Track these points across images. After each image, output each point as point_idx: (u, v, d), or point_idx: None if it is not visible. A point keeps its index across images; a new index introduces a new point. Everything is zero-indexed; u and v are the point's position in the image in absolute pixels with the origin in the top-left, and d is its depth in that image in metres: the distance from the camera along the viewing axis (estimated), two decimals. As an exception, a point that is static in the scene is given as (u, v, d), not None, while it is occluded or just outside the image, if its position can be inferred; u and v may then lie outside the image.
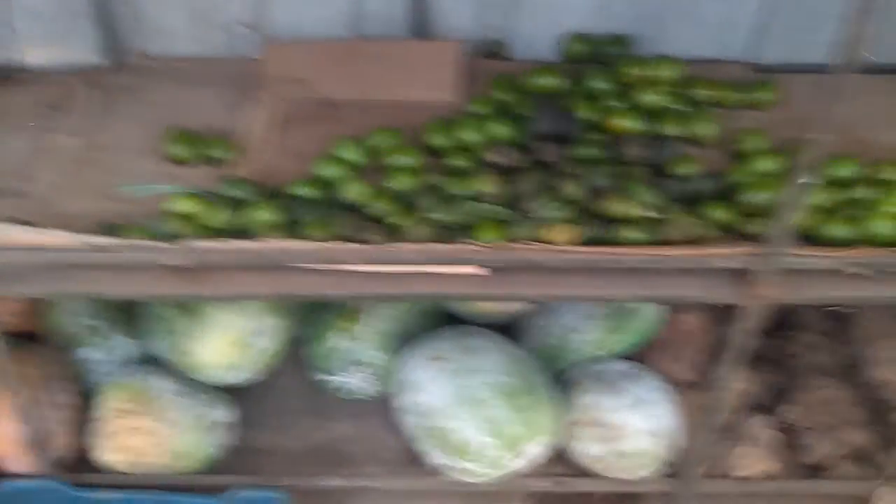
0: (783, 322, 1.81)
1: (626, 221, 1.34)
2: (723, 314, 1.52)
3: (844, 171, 1.45)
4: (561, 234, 1.30)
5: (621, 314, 1.69)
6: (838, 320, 1.75)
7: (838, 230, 1.32)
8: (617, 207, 1.35)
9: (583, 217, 1.35)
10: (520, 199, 1.39)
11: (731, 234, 1.36)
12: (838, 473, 1.62)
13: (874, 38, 1.86)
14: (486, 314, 1.77)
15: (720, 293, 1.31)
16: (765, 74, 1.78)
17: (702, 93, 1.64)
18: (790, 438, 1.67)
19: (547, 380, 1.66)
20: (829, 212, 1.38)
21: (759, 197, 1.38)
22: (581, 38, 1.74)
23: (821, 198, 1.38)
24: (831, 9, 1.79)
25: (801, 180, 1.11)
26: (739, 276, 1.29)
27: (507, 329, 1.79)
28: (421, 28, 1.79)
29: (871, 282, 1.29)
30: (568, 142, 1.51)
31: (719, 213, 1.37)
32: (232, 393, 1.78)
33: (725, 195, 1.43)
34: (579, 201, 1.37)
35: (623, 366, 1.69)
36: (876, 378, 1.63)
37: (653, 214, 1.35)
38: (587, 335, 1.71)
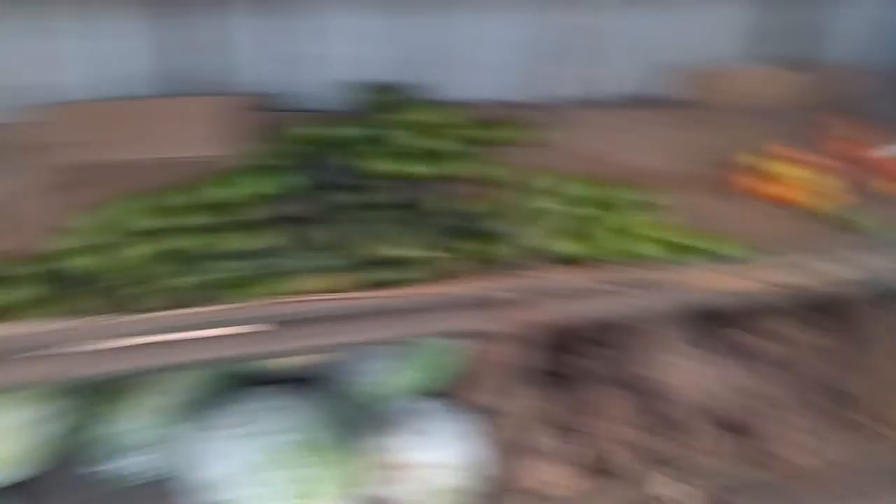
0: (576, 338, 1.88)
1: (399, 263, 1.35)
2: (526, 340, 1.57)
3: (600, 194, 1.53)
4: (327, 282, 1.28)
5: (418, 353, 1.69)
6: (625, 331, 1.84)
7: (589, 251, 1.40)
8: (390, 250, 1.35)
9: (354, 263, 1.33)
10: (287, 251, 1.34)
11: (497, 265, 1.39)
12: (628, 474, 1.70)
13: (636, 72, 2.09)
14: (276, 370, 1.71)
15: (482, 323, 1.32)
16: (547, 112, 1.88)
17: (480, 134, 1.70)
18: (582, 447, 1.73)
19: (348, 430, 1.62)
20: (583, 234, 1.45)
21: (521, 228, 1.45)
22: (365, 86, 1.76)
23: (575, 222, 1.47)
24: (597, 47, 1.96)
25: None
26: (500, 304, 1.31)
27: (307, 381, 1.73)
28: (199, 83, 1.78)
29: (623, 296, 1.36)
30: (344, 190, 1.50)
31: (485, 247, 1.39)
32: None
33: (500, 229, 1.46)
34: (350, 247, 1.35)
35: (427, 403, 1.69)
36: (653, 381, 1.73)
37: (420, 253, 1.36)
38: (385, 378, 1.69)
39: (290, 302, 1.25)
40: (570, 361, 1.86)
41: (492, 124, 1.75)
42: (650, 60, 1.99)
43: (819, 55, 2.09)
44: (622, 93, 2.01)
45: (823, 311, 1.83)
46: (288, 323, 1.26)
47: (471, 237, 1.41)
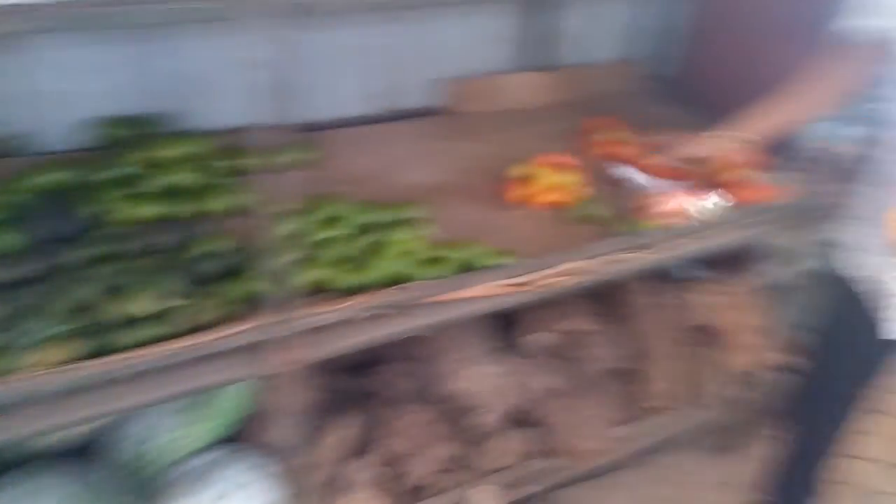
0: (371, 357, 1.87)
1: (143, 318, 1.24)
2: (309, 375, 1.53)
3: (365, 217, 1.51)
4: (57, 353, 1.16)
5: (198, 404, 1.60)
6: (419, 343, 1.86)
7: (354, 278, 1.39)
8: (131, 306, 1.25)
9: (90, 325, 1.20)
10: (8, 322, 1.17)
11: (262, 304, 1.34)
12: (437, 488, 1.73)
13: (402, 85, 2.11)
14: (35, 448, 1.54)
15: (247, 370, 1.27)
16: (307, 134, 1.85)
17: (234, 163, 1.61)
18: (392, 469, 1.73)
19: (130, 498, 1.50)
20: (350, 261, 1.45)
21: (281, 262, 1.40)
22: (107, 122, 1.62)
23: (342, 248, 1.46)
24: (357, 63, 2.02)
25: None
26: (263, 347, 1.26)
27: (73, 455, 1.57)
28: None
29: (392, 319, 1.37)
30: (76, 243, 1.34)
31: (246, 287, 1.33)
32: None
33: (262, 266, 1.41)
34: (85, 308, 1.22)
35: (215, 454, 1.60)
36: (450, 390, 1.76)
37: (173, 304, 1.27)
38: (166, 436, 1.57)
39: (14, 381, 1.11)
40: (368, 385, 1.85)
41: (247, 151, 1.67)
42: (415, 73, 2.01)
43: (578, 58, 2.22)
44: (388, 107, 2.02)
45: (597, 299, 1.97)
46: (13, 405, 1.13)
47: (231, 278, 1.34)
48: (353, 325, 1.32)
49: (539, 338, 1.85)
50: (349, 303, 1.30)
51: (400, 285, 1.36)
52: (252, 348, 1.26)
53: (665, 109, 2.17)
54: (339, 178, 1.71)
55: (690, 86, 2.24)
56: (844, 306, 1.52)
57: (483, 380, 1.76)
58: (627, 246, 1.54)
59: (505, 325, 1.86)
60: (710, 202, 1.66)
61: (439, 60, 2.02)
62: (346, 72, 1.92)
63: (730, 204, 1.69)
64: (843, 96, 1.45)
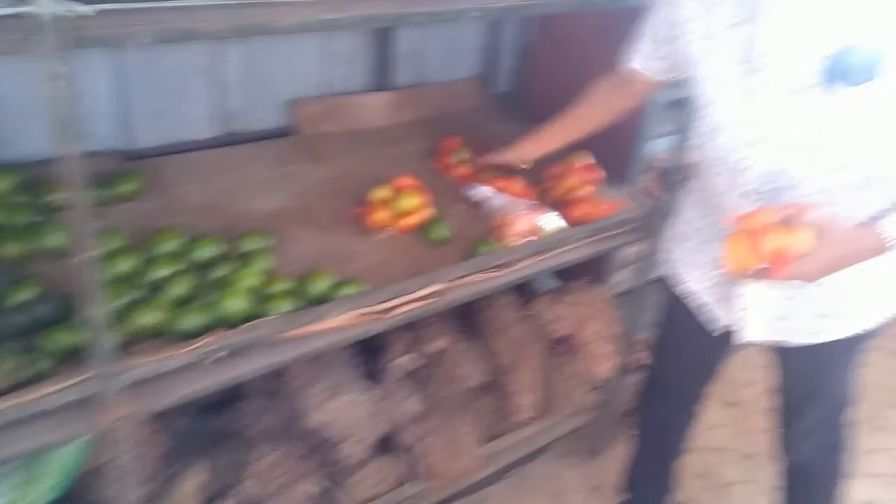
0: (230, 394, 1.78)
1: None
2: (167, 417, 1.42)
3: (206, 252, 1.43)
4: None
5: (30, 464, 1.44)
6: (280, 377, 1.78)
7: (194, 319, 1.31)
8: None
9: None
10: None
11: (85, 355, 1.20)
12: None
13: (250, 107, 2.03)
14: None
15: (78, 428, 1.14)
16: (135, 162, 1.74)
17: (49, 199, 1.48)
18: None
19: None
20: (189, 301, 1.37)
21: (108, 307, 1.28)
22: None
23: (181, 287, 1.37)
24: (203, 84, 1.94)
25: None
26: (87, 404, 1.14)
27: None
28: None
29: (236, 359, 1.29)
30: None
31: (71, 337, 1.20)
32: None
33: (86, 312, 1.27)
34: None
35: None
36: (315, 424, 1.70)
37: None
38: None
39: None
40: (227, 424, 1.76)
41: (64, 184, 1.54)
42: (263, 95, 1.93)
43: (427, 77, 2.22)
44: (236, 130, 1.93)
45: (460, 316, 1.97)
46: None
47: (53, 328, 1.22)
48: (196, 370, 1.24)
49: (404, 361, 1.83)
50: (189, 347, 1.21)
51: (248, 324, 1.29)
52: (82, 404, 1.15)
53: (512, 127, 2.21)
54: (179, 208, 1.61)
55: (535, 103, 2.31)
56: (674, 309, 1.61)
57: (349, 410, 1.71)
58: (482, 267, 1.55)
59: (369, 351, 1.82)
60: (557, 220, 1.70)
61: (289, 81, 1.95)
62: (193, 93, 1.82)
63: (575, 221, 1.75)
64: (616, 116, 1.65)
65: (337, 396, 1.70)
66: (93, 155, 1.71)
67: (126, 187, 1.59)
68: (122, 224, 1.51)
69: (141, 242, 1.45)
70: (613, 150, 2.04)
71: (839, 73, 1.04)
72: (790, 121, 1.14)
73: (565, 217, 1.76)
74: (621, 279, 2.50)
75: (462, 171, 1.89)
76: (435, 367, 1.85)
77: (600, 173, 1.88)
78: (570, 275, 2.02)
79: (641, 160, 2.01)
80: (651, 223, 1.82)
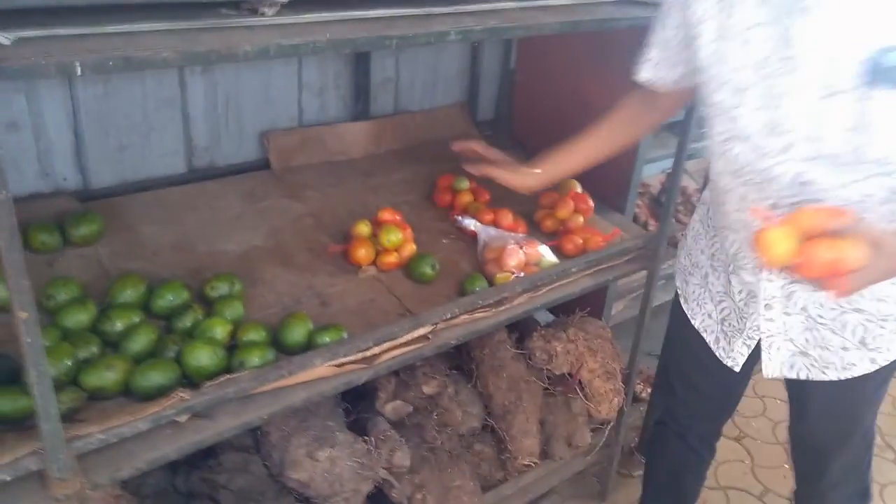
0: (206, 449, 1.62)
1: None
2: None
3: (168, 300, 1.29)
4: None
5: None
6: (257, 431, 1.63)
7: (156, 378, 1.17)
8: None
9: None
10: None
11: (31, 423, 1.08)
12: None
13: (222, 140, 1.90)
14: None
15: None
16: (94, 202, 1.61)
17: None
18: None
19: None
20: (150, 355, 1.23)
21: (62, 366, 1.15)
22: None
23: (140, 341, 1.23)
24: (146, 123, 1.67)
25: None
26: (29, 481, 1.00)
27: None
28: None
29: (202, 421, 1.16)
30: None
31: (8, 403, 1.07)
32: None
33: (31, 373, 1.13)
34: None
35: None
36: (296, 481, 1.55)
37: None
38: None
39: None
40: (198, 485, 1.61)
41: (67, 222, 1.44)
42: (236, 126, 1.81)
43: (409, 105, 2.12)
44: (206, 164, 1.81)
45: (454, 356, 1.85)
46: None
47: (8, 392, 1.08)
48: (156, 435, 1.10)
49: (390, 409, 1.69)
50: (144, 413, 1.07)
51: (211, 383, 1.15)
52: (23, 481, 1.01)
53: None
54: (141, 252, 1.48)
55: (520, 130, 2.22)
56: (686, 341, 1.49)
57: (332, 465, 1.56)
58: (473, 306, 1.43)
59: (356, 396, 1.69)
60: (549, 253, 1.59)
61: (260, 113, 1.84)
62: (156, 127, 1.70)
63: (568, 254, 1.65)
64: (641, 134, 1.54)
65: (318, 451, 1.55)
66: (48, 196, 1.59)
67: (83, 230, 1.46)
68: (77, 271, 1.38)
69: (97, 291, 1.31)
70: (605, 176, 1.94)
71: (882, 73, 0.94)
72: (824, 126, 1.03)
73: (558, 249, 1.65)
74: (621, 309, 2.40)
75: (453, 201, 1.78)
76: (425, 414, 1.72)
77: (590, 202, 1.78)
78: (566, 307, 1.90)
79: (636, 186, 1.91)
80: (649, 252, 1.71)
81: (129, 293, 1.30)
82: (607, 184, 1.93)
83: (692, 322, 1.44)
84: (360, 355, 1.27)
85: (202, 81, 1.71)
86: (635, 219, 2.53)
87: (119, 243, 1.49)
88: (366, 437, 1.63)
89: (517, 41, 2.14)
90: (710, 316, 1.39)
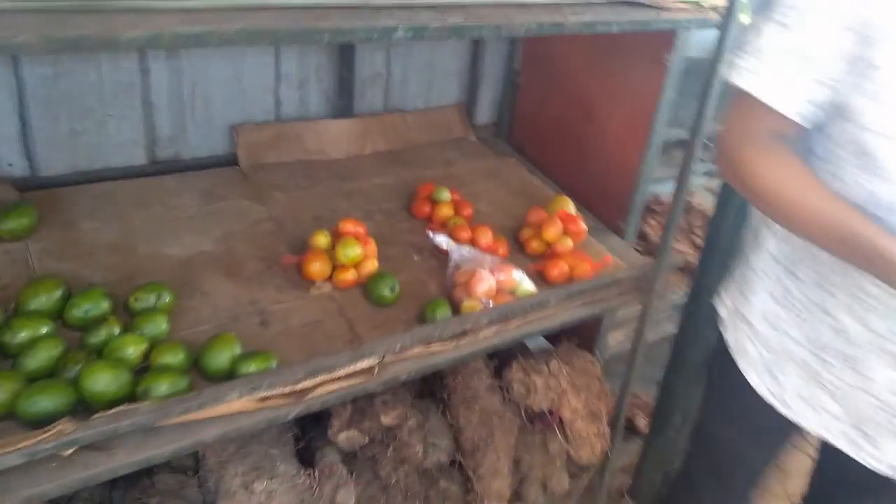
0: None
1: None
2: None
3: (83, 310, 1.15)
4: None
5: None
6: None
7: (48, 401, 1.03)
8: None
9: None
10: None
11: None
12: None
13: (187, 131, 1.75)
14: None
15: None
16: (39, 192, 1.49)
17: None
18: None
19: None
20: (51, 373, 1.09)
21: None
22: None
23: (42, 356, 1.09)
24: (102, 109, 1.52)
25: None
26: None
27: None
28: None
29: (95, 453, 1.02)
30: None
31: None
32: None
33: None
34: None
35: None
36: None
37: None
38: None
39: None
40: (141, 498, 1.48)
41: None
42: (204, 117, 1.67)
43: (398, 104, 1.96)
44: (169, 157, 1.68)
45: (421, 382, 1.69)
46: None
47: None
48: (39, 469, 0.96)
49: (348, 437, 1.54)
50: (19, 445, 0.94)
51: (101, 415, 1.00)
52: None
53: (492, 162, 1.94)
54: (74, 251, 1.35)
55: (520, 136, 2.05)
56: (735, 391, 1.25)
57: (270, 498, 1.42)
58: (429, 337, 1.26)
59: (313, 419, 1.54)
60: (526, 280, 1.42)
61: (230, 104, 1.69)
62: (114, 114, 1.57)
63: (552, 281, 1.47)
64: None
65: (255, 482, 1.41)
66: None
67: (10, 224, 1.33)
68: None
69: (15, 294, 1.18)
70: (604, 194, 1.76)
71: None
72: None
73: (542, 275, 1.48)
74: (621, 339, 2.21)
75: (429, 212, 1.63)
76: (382, 447, 1.56)
77: (583, 224, 1.60)
78: (554, 334, 1.73)
79: (638, 206, 1.73)
80: (644, 285, 1.53)
81: (42, 300, 1.17)
82: (607, 203, 1.75)
83: (798, 423, 1.17)
84: (285, 389, 1.12)
85: (166, 67, 1.58)
86: (647, 240, 2.34)
87: (53, 240, 1.37)
88: (311, 470, 1.48)
89: (522, 40, 1.96)
90: (834, 417, 1.13)
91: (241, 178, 1.67)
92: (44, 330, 1.12)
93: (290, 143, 1.75)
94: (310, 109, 1.81)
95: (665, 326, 2.27)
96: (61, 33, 0.73)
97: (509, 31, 1.06)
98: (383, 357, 1.22)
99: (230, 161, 1.72)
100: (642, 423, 2.22)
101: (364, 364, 1.20)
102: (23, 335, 1.10)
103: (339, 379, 1.17)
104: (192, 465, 1.51)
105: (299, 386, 1.14)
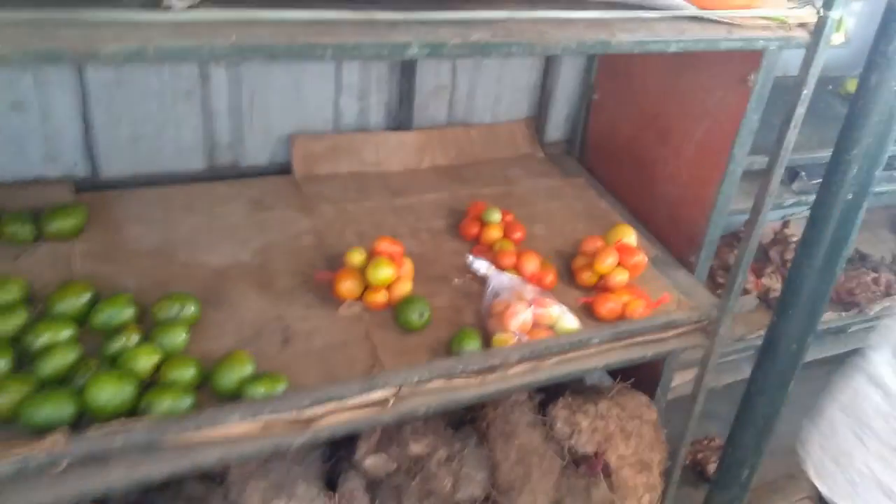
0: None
1: None
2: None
3: (107, 316, 1.15)
4: None
5: None
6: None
7: (51, 409, 1.02)
8: None
9: None
10: None
11: None
12: None
13: (240, 142, 1.75)
14: None
15: None
16: (93, 193, 1.53)
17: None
18: None
19: None
20: (64, 380, 1.10)
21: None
22: None
23: (57, 361, 1.10)
24: (162, 114, 1.53)
25: None
26: None
27: None
28: None
29: (92, 467, 1.01)
30: None
31: None
32: None
33: None
34: None
35: None
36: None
37: None
38: None
39: None
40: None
41: (48, 212, 1.36)
42: (255, 126, 1.67)
43: (461, 117, 1.89)
44: (227, 163, 1.68)
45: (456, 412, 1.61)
46: None
47: None
48: (33, 479, 0.96)
49: (374, 463, 1.48)
50: (14, 451, 0.94)
51: (113, 424, 1.00)
52: None
53: (560, 182, 1.83)
54: (115, 254, 1.37)
55: (592, 155, 1.93)
56: None
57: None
58: (451, 372, 1.19)
59: (335, 440, 1.50)
60: (569, 317, 1.31)
61: (289, 113, 1.68)
62: (173, 120, 1.59)
63: (601, 318, 1.36)
64: None
65: (274, 500, 1.38)
66: (49, 182, 1.52)
67: (57, 224, 1.37)
68: (41, 268, 1.29)
69: (46, 295, 1.21)
70: (676, 224, 1.62)
71: None
72: None
73: (591, 309, 1.37)
74: (689, 379, 2.04)
75: (477, 234, 1.55)
76: (408, 476, 1.49)
77: (644, 257, 1.47)
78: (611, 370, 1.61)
79: (712, 241, 1.57)
80: (709, 327, 1.38)
81: (69, 303, 1.18)
82: (677, 233, 1.61)
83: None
84: (290, 416, 1.07)
85: (226, 75, 1.58)
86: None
87: (97, 242, 1.39)
88: (331, 493, 1.44)
89: (599, 55, 1.84)
90: None
91: (294, 188, 1.65)
92: (65, 335, 1.13)
93: (346, 154, 1.72)
94: (369, 121, 1.77)
95: (745, 369, 2.08)
96: (38, 45, 0.71)
97: (544, 50, 0.97)
98: (399, 389, 1.15)
99: (286, 170, 1.70)
100: (713, 468, 2.04)
101: (377, 395, 1.13)
102: (43, 339, 1.11)
103: (349, 409, 1.12)
104: (221, 472, 1.50)
105: (305, 414, 1.09)
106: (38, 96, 1.45)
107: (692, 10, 1.10)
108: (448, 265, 1.48)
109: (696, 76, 1.55)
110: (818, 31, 1.16)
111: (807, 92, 1.19)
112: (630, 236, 1.50)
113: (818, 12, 1.14)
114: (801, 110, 1.21)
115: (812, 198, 1.35)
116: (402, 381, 1.15)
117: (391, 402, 1.14)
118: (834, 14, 1.12)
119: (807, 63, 1.18)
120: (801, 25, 1.21)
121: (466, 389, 1.20)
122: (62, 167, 1.54)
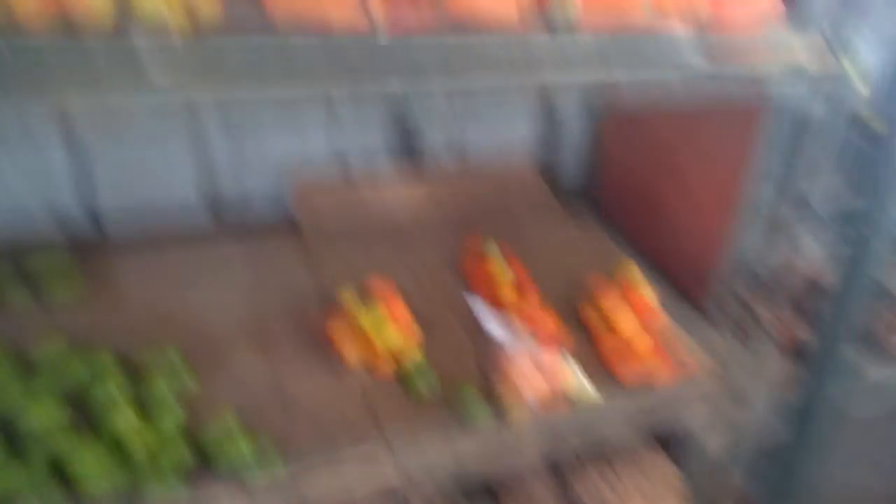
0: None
1: None
2: None
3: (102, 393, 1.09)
4: None
5: None
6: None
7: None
8: None
9: None
10: None
11: None
12: None
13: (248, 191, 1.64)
14: None
15: None
16: (93, 251, 1.48)
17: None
18: None
19: None
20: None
21: None
22: None
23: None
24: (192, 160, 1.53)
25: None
26: None
27: None
28: None
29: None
30: None
31: None
32: None
33: None
34: None
35: None
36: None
37: None
38: None
39: None
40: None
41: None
42: (264, 177, 1.63)
43: (470, 164, 1.83)
44: (230, 218, 1.64)
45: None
46: None
47: None
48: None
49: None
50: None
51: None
52: None
53: (576, 233, 1.77)
54: (109, 319, 1.31)
55: (608, 203, 1.86)
56: None
57: None
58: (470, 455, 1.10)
59: None
60: (580, 378, 1.23)
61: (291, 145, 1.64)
62: (177, 170, 1.55)
63: (618, 376, 1.27)
64: None
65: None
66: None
67: (57, 286, 1.32)
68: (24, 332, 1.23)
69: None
70: (691, 268, 1.53)
71: None
72: None
73: (601, 360, 1.28)
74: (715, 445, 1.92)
75: (483, 284, 1.48)
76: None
77: (663, 316, 1.39)
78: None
79: (728, 285, 1.47)
80: (732, 393, 1.29)
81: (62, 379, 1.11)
82: (692, 278, 1.52)
83: None
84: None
85: (236, 120, 1.55)
86: (761, 324, 2.03)
87: (94, 306, 1.33)
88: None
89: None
90: None
91: (295, 237, 1.60)
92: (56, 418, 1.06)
93: (351, 202, 1.67)
94: (374, 167, 1.72)
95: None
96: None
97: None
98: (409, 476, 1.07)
99: (285, 217, 1.65)
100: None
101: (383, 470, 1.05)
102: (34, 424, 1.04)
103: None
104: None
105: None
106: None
107: (708, 69, 1.03)
108: (454, 321, 1.40)
109: (706, 114, 1.48)
110: (837, 80, 1.10)
111: (825, 134, 1.12)
112: (636, 273, 1.42)
113: (837, 59, 1.08)
114: (818, 153, 1.14)
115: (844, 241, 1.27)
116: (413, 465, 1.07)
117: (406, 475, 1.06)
118: (851, 62, 1.06)
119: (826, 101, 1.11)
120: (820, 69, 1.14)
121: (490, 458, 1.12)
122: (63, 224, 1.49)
